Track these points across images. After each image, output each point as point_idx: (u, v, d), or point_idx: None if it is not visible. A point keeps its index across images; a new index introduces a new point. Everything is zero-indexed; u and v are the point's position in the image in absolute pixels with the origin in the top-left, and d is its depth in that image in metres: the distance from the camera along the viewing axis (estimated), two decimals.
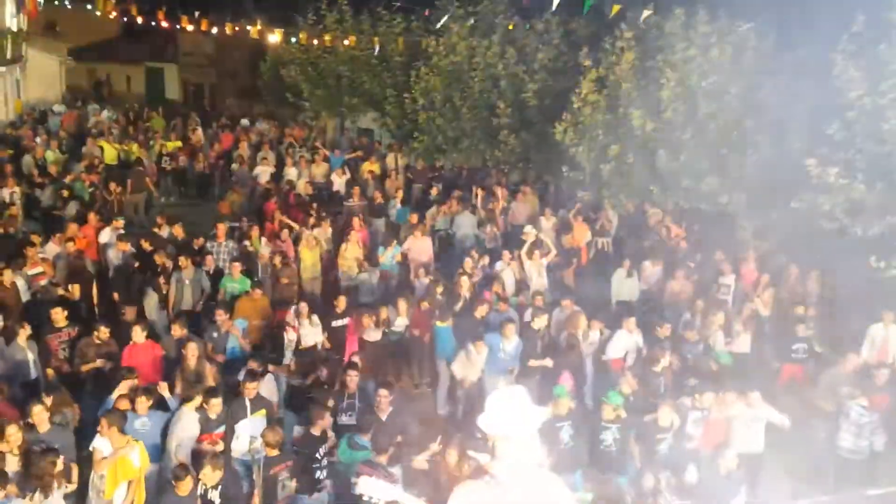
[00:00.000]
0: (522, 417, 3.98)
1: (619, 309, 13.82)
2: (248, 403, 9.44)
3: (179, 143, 24.92)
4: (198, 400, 9.26)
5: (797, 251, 14.64)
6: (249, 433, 9.27)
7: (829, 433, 10.23)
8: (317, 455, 8.91)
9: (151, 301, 13.33)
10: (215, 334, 11.67)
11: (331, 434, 9.18)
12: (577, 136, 16.52)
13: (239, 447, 9.26)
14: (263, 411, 9.49)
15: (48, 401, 8.83)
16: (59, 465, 7.84)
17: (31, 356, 10.45)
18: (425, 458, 8.73)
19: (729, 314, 12.73)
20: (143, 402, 9.15)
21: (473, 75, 20.66)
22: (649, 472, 8.77)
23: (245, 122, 31.18)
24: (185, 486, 7.81)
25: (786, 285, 14.37)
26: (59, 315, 11.14)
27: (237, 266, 13.70)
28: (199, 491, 8.05)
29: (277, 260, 14.38)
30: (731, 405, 9.77)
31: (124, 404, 9.12)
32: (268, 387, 10.27)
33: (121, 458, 8.44)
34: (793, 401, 10.82)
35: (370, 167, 22.28)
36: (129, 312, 12.67)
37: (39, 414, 8.54)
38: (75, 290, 12.97)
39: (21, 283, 12.41)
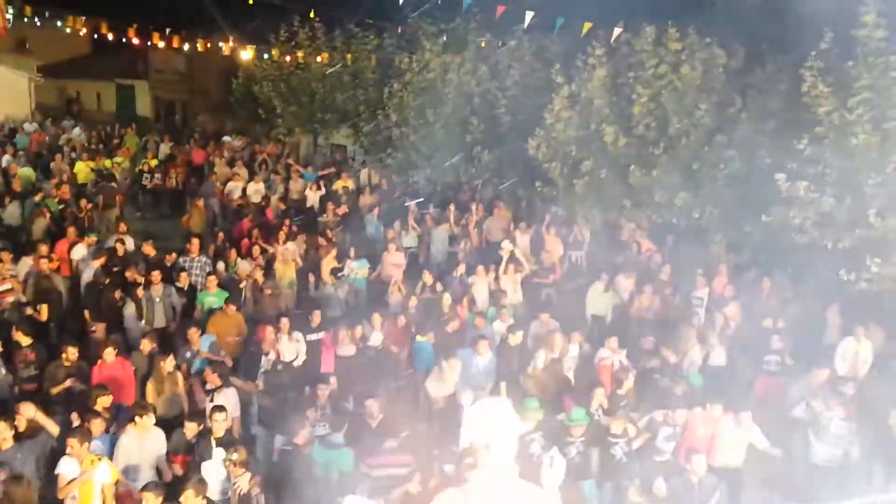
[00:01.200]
0: (503, 426, 4.07)
1: (594, 323, 13.86)
2: (213, 443, 8.93)
3: (155, 161, 24.77)
4: (147, 421, 9.05)
5: (769, 264, 14.80)
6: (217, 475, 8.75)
7: (802, 443, 10.33)
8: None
9: (129, 311, 13.14)
10: (188, 354, 11.55)
11: None
12: (550, 152, 16.64)
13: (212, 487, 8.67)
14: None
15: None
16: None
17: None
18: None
19: (701, 328, 12.82)
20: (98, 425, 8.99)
21: (446, 91, 20.75)
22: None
23: (227, 138, 31.08)
24: None
25: (758, 298, 14.51)
26: (19, 336, 10.98)
27: (213, 279, 13.59)
28: None
29: (258, 274, 14.29)
30: (719, 421, 9.82)
31: (98, 424, 9.02)
32: (230, 400, 10.17)
33: (87, 482, 8.32)
34: (766, 413, 10.88)
35: (344, 183, 22.24)
36: (99, 330, 12.49)
37: (2, 431, 8.40)
38: (43, 311, 12.79)
39: None
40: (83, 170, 22.69)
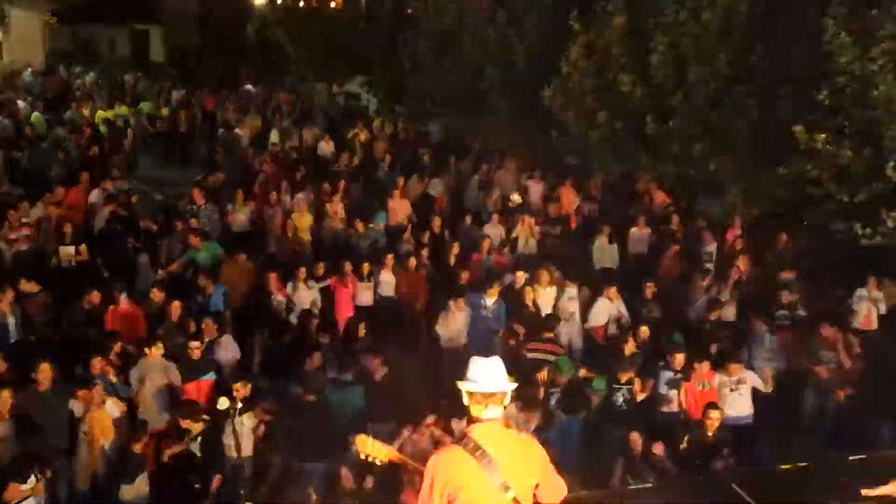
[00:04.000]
0: (502, 377, 4.22)
1: (602, 276, 13.82)
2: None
3: (166, 108, 24.70)
4: (156, 351, 9.35)
5: (784, 217, 14.66)
6: None
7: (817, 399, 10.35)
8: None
9: (143, 259, 13.19)
10: (199, 299, 11.64)
11: None
12: (565, 101, 16.40)
13: None
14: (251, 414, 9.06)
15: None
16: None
17: (11, 320, 10.37)
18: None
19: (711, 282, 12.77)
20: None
21: (462, 38, 20.42)
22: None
23: (249, 87, 30.93)
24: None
25: (773, 251, 14.41)
26: (27, 284, 11.04)
27: (195, 238, 13.21)
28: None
29: (280, 218, 14.20)
30: (712, 376, 9.80)
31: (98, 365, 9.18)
32: (229, 348, 10.28)
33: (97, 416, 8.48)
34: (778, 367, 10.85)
35: (356, 132, 22.09)
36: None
37: (45, 372, 8.52)
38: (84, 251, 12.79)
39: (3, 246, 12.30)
40: (100, 116, 22.66)
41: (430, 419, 8.33)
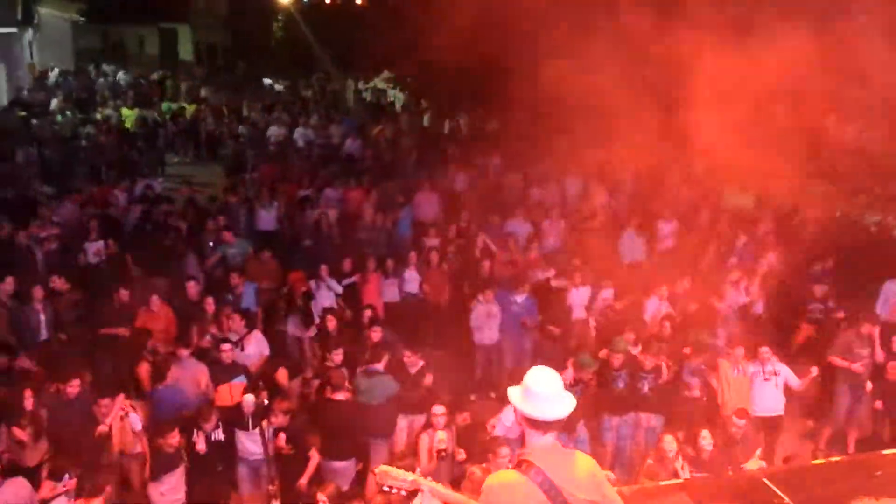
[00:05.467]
0: (568, 398, 3.76)
1: (631, 269, 13.76)
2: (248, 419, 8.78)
3: (194, 106, 24.88)
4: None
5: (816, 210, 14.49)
6: None
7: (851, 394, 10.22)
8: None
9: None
10: (230, 297, 11.72)
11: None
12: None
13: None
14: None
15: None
16: None
17: (43, 318, 10.49)
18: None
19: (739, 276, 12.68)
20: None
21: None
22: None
23: (267, 81, 31.15)
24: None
25: (801, 242, 14.24)
26: (58, 281, 11.16)
27: (228, 235, 13.47)
28: None
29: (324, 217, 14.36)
30: (745, 363, 9.72)
31: (144, 368, 9.25)
32: (256, 345, 10.35)
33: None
34: (810, 362, 10.72)
35: (382, 128, 22.12)
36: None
37: (74, 385, 8.60)
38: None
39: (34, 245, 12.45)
40: (128, 115, 22.88)
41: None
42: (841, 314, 11.80)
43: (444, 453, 8.17)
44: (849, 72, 11.82)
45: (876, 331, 10.56)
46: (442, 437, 8.32)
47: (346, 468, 8.92)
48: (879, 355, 10.35)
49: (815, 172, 12.80)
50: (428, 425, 8.55)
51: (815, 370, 9.81)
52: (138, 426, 8.74)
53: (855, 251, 13.80)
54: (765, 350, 9.80)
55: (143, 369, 9.42)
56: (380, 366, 9.48)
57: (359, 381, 9.39)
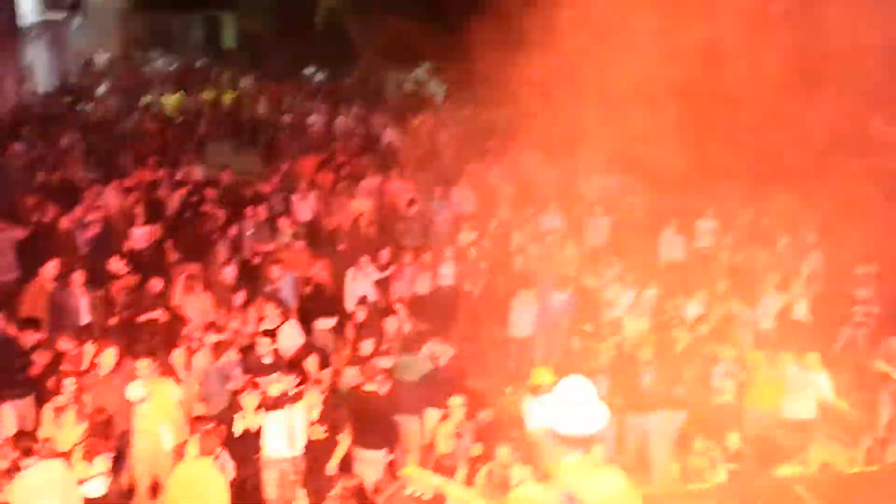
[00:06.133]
0: (594, 413, 3.48)
1: (669, 269, 13.62)
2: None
3: (232, 94, 25.07)
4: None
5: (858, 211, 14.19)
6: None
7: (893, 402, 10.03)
8: None
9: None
10: (267, 288, 11.77)
11: None
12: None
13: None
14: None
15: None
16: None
17: (84, 301, 10.64)
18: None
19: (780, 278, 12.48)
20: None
21: None
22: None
23: (309, 70, 31.34)
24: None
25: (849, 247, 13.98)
26: (117, 264, 11.28)
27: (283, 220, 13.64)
28: None
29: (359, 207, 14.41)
30: (783, 362, 9.59)
31: (179, 355, 9.35)
32: (291, 335, 10.40)
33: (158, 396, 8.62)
34: (850, 366, 10.56)
35: (423, 119, 22.11)
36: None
37: (108, 356, 8.77)
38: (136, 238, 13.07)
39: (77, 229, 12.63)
40: (171, 102, 23.13)
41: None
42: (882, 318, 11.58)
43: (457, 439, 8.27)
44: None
45: None
46: (454, 426, 8.41)
47: (377, 458, 8.96)
48: None
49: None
50: (445, 416, 8.60)
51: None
52: (178, 394, 8.84)
53: None
54: (811, 356, 9.61)
55: (178, 354, 9.51)
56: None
57: (399, 358, 9.66)
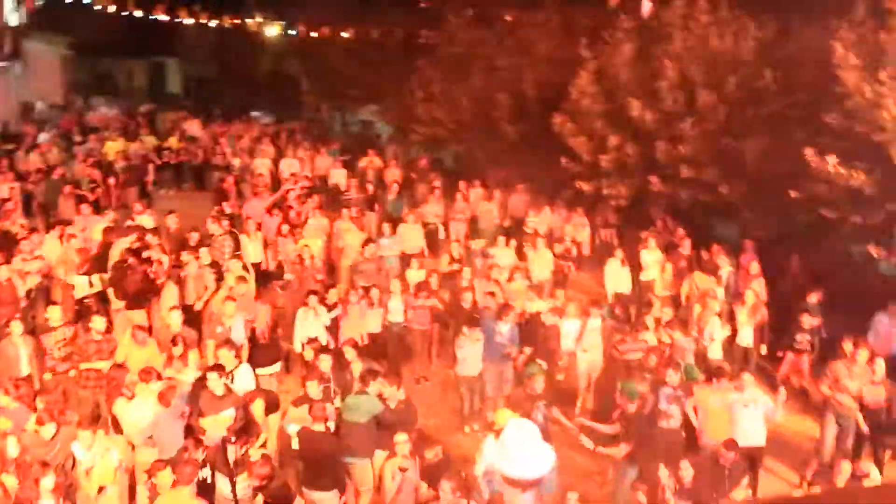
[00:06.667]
0: (539, 456, 3.59)
1: (617, 301, 13.76)
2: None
3: (175, 141, 24.89)
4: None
5: (797, 241, 14.55)
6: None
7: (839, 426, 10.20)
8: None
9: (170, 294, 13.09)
10: (219, 329, 11.60)
11: None
12: (575, 127, 16.44)
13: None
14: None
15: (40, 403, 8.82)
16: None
17: (24, 352, 10.40)
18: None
19: (723, 306, 12.69)
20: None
21: (472, 66, 20.53)
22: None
23: (256, 114, 31.41)
24: None
25: (788, 276, 14.32)
26: (54, 314, 11.06)
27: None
28: None
29: (305, 251, 14.29)
30: (727, 391, 9.71)
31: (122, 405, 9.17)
32: (245, 379, 10.24)
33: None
34: (794, 392, 10.72)
35: (369, 160, 22.19)
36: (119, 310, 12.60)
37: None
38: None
39: (16, 279, 12.36)
40: (113, 148, 22.87)
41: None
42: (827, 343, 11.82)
43: (403, 473, 8.21)
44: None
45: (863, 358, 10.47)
46: (401, 461, 8.34)
47: (328, 499, 8.84)
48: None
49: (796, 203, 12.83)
50: (392, 454, 8.52)
51: (783, 391, 9.76)
52: (116, 463, 8.66)
53: (843, 283, 13.90)
54: (746, 377, 9.75)
55: (120, 405, 9.31)
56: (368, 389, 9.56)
57: (347, 400, 9.52)
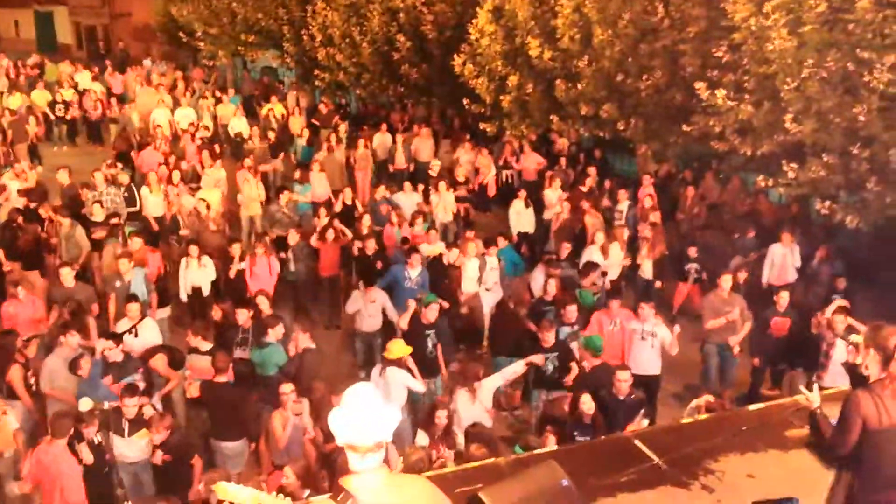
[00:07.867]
0: (379, 420, 3.52)
1: (521, 240, 13.93)
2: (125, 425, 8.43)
3: (71, 92, 23.88)
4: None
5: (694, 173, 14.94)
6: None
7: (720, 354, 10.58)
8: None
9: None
10: (117, 283, 11.34)
11: None
12: (476, 68, 16.39)
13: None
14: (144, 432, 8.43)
15: None
16: None
17: None
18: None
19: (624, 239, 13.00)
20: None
21: (371, 9, 20.15)
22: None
23: (147, 62, 30.35)
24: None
25: (682, 208, 14.72)
26: None
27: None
28: None
29: (200, 204, 13.98)
30: (622, 315, 9.97)
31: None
32: (150, 332, 10.16)
33: None
34: (686, 322, 11.02)
35: (270, 107, 21.72)
36: (15, 269, 12.18)
37: None
38: None
39: None
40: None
41: None
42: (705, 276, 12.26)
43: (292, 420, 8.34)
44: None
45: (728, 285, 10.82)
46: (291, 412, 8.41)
47: (237, 449, 8.85)
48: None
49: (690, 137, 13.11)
50: (278, 405, 8.51)
51: (677, 328, 10.05)
52: (16, 424, 8.44)
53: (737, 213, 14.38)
54: (645, 308, 10.00)
55: (15, 372, 9.03)
56: (270, 338, 9.59)
57: (253, 353, 9.61)
